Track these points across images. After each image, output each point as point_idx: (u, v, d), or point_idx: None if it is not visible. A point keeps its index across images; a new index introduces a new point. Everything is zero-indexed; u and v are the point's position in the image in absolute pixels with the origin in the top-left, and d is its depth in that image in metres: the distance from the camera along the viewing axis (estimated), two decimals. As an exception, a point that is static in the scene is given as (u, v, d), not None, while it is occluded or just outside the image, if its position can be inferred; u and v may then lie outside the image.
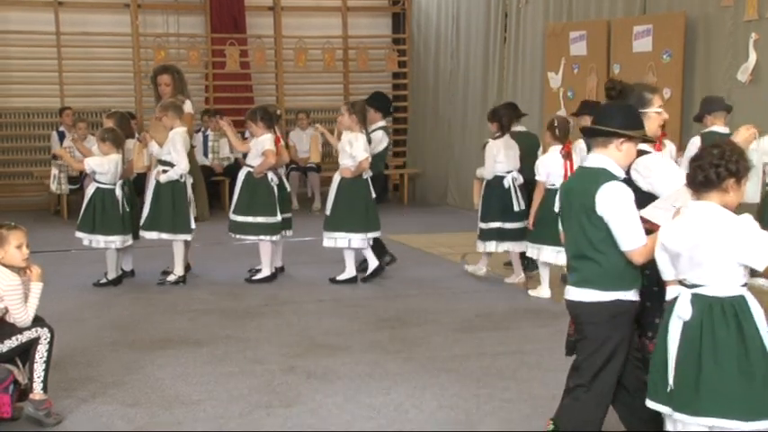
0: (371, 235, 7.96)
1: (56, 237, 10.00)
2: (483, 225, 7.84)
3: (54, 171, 11.62)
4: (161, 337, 6.26)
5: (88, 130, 11.74)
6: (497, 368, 5.51)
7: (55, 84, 13.11)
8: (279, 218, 7.96)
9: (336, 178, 7.93)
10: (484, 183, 7.87)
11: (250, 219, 7.90)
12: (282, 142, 8.31)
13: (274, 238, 8.00)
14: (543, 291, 7.42)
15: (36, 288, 4.75)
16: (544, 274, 7.43)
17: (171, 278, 7.94)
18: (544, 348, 5.90)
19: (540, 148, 8.21)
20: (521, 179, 7.77)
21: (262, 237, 7.94)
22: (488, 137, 8.13)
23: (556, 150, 7.04)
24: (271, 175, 7.98)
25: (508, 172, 7.76)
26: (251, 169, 7.93)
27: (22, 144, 13.26)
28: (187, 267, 8.13)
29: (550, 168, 7.10)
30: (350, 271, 7.99)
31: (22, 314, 4.68)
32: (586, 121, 7.00)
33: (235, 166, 11.90)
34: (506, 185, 7.73)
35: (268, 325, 6.59)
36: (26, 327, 4.70)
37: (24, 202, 12.91)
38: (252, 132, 8.07)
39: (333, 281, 8.01)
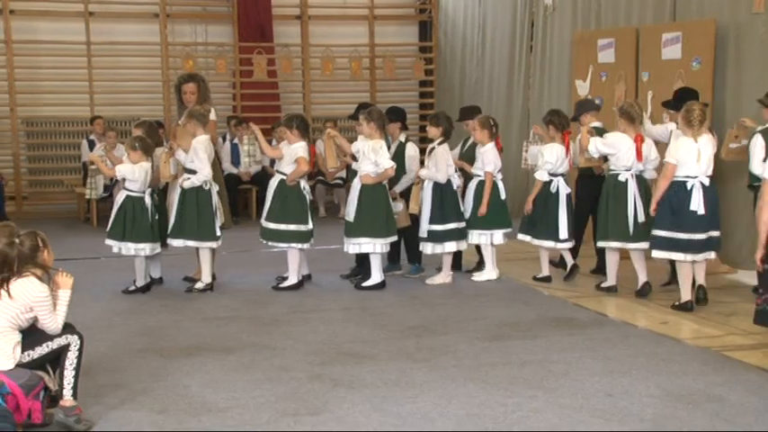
0: (390, 240, 8.00)
1: (85, 244, 10.08)
2: (440, 227, 8.04)
3: (90, 178, 11.74)
4: (189, 344, 6.29)
5: (117, 139, 11.83)
6: (524, 377, 5.48)
7: (85, 93, 13.25)
8: (310, 225, 7.98)
9: (357, 185, 7.95)
10: (427, 186, 8.04)
11: (282, 226, 7.93)
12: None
13: (305, 245, 8.03)
14: (490, 272, 8.26)
15: (64, 295, 4.80)
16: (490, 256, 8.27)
17: (199, 285, 7.98)
18: (572, 357, 5.86)
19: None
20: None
21: (293, 244, 7.97)
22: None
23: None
24: (303, 183, 8.01)
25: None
26: (283, 177, 7.96)
27: (53, 152, 13.41)
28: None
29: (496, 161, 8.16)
30: (376, 277, 8.01)
31: (51, 322, 4.73)
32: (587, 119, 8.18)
33: (263, 174, 11.96)
34: (455, 187, 8.13)
35: (295, 332, 6.60)
36: (56, 334, 4.75)
37: (55, 210, 13.05)
38: (286, 139, 8.09)
39: (359, 288, 8.03)
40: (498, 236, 8.25)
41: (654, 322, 6.83)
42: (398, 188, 8.33)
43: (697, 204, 6.90)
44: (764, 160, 6.79)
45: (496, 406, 4.97)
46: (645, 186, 7.61)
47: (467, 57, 13.67)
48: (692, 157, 6.91)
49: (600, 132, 7.90)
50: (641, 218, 7.43)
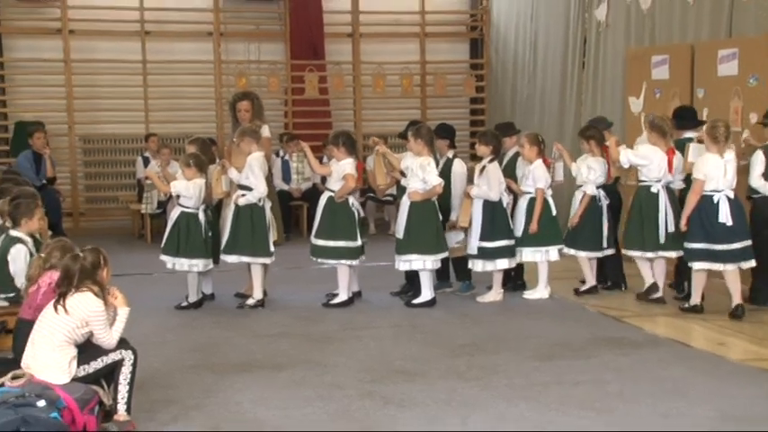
0: (440, 256, 7.97)
1: (139, 260, 10.20)
2: (490, 244, 7.99)
3: (146, 193, 11.91)
4: (240, 360, 6.32)
5: (171, 156, 11.96)
6: (577, 397, 5.40)
7: (140, 110, 13.45)
8: (359, 242, 7.99)
9: (405, 202, 7.94)
10: (477, 202, 8.00)
11: (331, 243, 7.95)
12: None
13: (354, 262, 8.04)
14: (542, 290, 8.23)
15: (123, 313, 4.87)
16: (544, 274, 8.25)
17: (250, 302, 8.03)
18: (626, 378, 5.77)
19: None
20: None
21: (342, 261, 7.98)
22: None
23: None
24: (352, 199, 8.03)
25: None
26: (332, 194, 7.99)
27: (109, 169, 13.62)
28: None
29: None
30: (426, 294, 7.98)
31: (106, 337, 4.79)
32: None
33: (313, 191, 12.00)
34: (505, 204, 8.11)
35: (345, 349, 6.60)
36: (111, 349, 4.80)
37: (110, 226, 13.23)
38: (334, 156, 8.12)
39: (409, 305, 8.01)
40: (553, 252, 8.23)
41: (711, 343, 6.70)
42: (454, 215, 8.28)
43: (725, 216, 7.24)
44: (763, 175, 7.49)
45: (549, 426, 4.91)
46: (673, 197, 7.89)
47: (518, 73, 13.61)
48: (719, 172, 7.25)
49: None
50: (671, 228, 7.72)
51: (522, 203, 8.21)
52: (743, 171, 7.71)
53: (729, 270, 7.31)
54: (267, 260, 8.00)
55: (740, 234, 7.31)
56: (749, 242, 7.36)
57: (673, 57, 9.72)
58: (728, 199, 7.27)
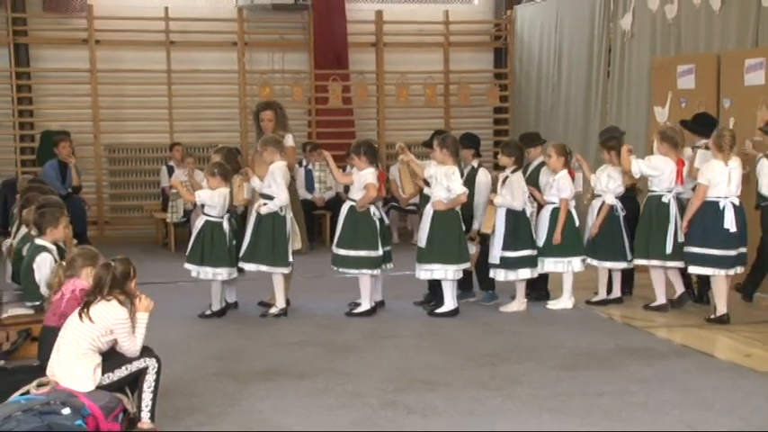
0: (463, 266, 7.96)
1: (163, 268, 10.26)
2: (512, 254, 8.00)
3: (171, 202, 11.96)
4: (263, 368, 6.34)
5: (195, 165, 12.00)
6: (601, 408, 5.37)
7: (165, 120, 13.53)
8: (380, 252, 8.00)
9: (429, 211, 7.94)
10: (500, 211, 8.00)
11: (352, 252, 7.96)
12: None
13: (376, 271, 8.05)
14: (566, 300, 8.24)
15: (142, 318, 4.90)
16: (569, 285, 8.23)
17: (273, 311, 8.05)
18: (651, 389, 5.73)
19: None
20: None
21: (364, 270, 7.99)
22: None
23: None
24: (373, 209, 8.04)
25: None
26: (353, 203, 8.01)
27: (134, 178, 13.69)
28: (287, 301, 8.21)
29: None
30: (449, 304, 7.97)
31: (130, 345, 4.82)
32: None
33: (336, 200, 12.03)
34: (528, 214, 8.09)
35: (368, 359, 6.60)
36: (135, 356, 4.84)
37: (134, 235, 13.31)
38: (355, 166, 8.14)
39: (432, 314, 8.01)
40: (577, 263, 8.20)
41: (737, 354, 6.65)
42: (477, 224, 8.27)
43: (730, 223, 7.43)
44: None
45: (573, 437, 4.89)
46: (682, 207, 7.99)
47: (542, 83, 13.58)
48: (724, 178, 7.43)
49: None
50: (681, 238, 7.81)
51: (546, 213, 8.19)
52: (746, 180, 7.89)
53: (721, 275, 7.50)
54: (285, 270, 8.01)
55: (741, 241, 7.55)
56: (745, 249, 7.64)
57: (699, 66, 9.68)
58: (733, 206, 7.47)
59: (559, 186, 8.11)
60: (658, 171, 7.91)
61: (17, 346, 6.28)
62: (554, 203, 8.15)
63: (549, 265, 8.19)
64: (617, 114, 11.54)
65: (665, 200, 7.90)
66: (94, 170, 13.39)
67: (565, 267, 8.20)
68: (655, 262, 7.99)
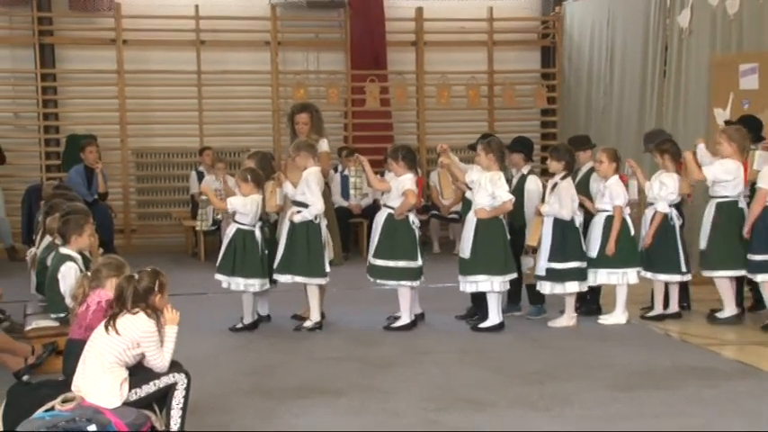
0: (508, 277, 7.92)
1: (192, 279, 10.32)
2: (560, 265, 7.93)
3: (201, 210, 11.95)
4: (297, 384, 6.34)
5: (226, 170, 12.06)
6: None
7: (195, 123, 13.63)
8: (420, 262, 7.98)
9: (471, 219, 7.91)
10: (547, 221, 7.93)
11: (391, 263, 7.95)
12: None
13: (415, 283, 8.03)
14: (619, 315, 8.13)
15: (171, 332, 4.92)
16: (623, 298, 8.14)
17: (307, 324, 8.06)
18: (713, 411, 5.64)
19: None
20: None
21: (403, 282, 7.97)
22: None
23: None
24: (412, 217, 8.02)
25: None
26: (391, 211, 8.00)
27: (162, 184, 13.81)
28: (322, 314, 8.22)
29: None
30: (494, 318, 7.93)
31: (158, 359, 4.84)
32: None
33: (373, 208, 12.03)
34: (577, 223, 8.02)
35: (407, 375, 6.58)
36: (163, 372, 4.86)
37: (162, 243, 13.40)
38: (393, 171, 8.13)
39: (475, 329, 7.97)
40: (632, 275, 8.10)
41: (805, 374, 6.53)
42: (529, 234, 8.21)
43: None
44: None
45: (627, 462, 4.83)
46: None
47: (593, 83, 13.49)
48: None
49: None
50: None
51: (598, 222, 8.11)
52: None
53: None
54: (322, 281, 8.02)
55: None
56: None
57: (763, 65, 9.55)
58: None
59: (612, 193, 8.03)
60: (732, 175, 7.83)
61: (42, 359, 6.36)
62: (607, 211, 8.07)
63: (602, 276, 8.12)
64: (674, 117, 11.42)
65: (740, 205, 7.87)
66: (121, 176, 13.53)
67: (619, 279, 8.12)
68: (742, 272, 7.91)
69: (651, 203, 8.30)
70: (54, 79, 13.51)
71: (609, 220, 8.06)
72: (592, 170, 8.37)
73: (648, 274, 8.26)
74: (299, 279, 8.00)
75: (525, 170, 8.43)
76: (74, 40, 13.55)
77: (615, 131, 12.65)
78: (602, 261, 8.06)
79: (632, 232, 8.16)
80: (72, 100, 13.61)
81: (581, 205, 8.11)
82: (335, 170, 12.68)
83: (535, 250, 8.09)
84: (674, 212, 8.21)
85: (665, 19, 11.72)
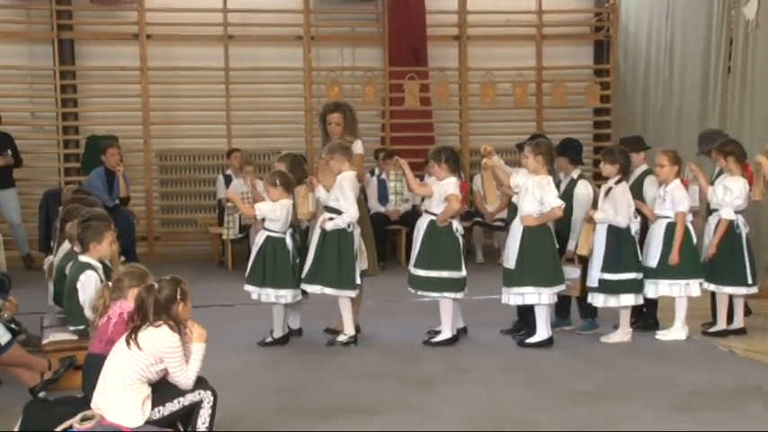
0: (557, 289, 7.89)
1: (219, 290, 10.38)
2: (614, 276, 7.87)
3: (228, 216, 12.04)
4: (331, 403, 6.36)
5: (256, 174, 12.09)
6: (722, 457, 5.26)
7: (222, 123, 13.71)
8: (464, 272, 7.98)
9: (517, 226, 7.89)
10: (600, 228, 7.89)
11: (433, 273, 7.95)
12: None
13: (459, 295, 8.02)
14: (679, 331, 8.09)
15: (198, 350, 4.95)
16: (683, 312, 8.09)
17: (341, 338, 8.08)
18: (780, 436, 5.59)
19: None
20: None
21: (445, 293, 7.97)
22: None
23: None
24: (455, 223, 8.02)
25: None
26: (433, 217, 8.00)
27: (187, 189, 13.88)
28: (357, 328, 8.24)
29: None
30: (542, 333, 7.90)
31: (182, 376, 4.88)
32: None
33: (412, 214, 12.04)
34: (633, 231, 7.94)
35: (449, 394, 6.58)
36: (188, 389, 4.89)
37: (187, 252, 13.49)
38: (434, 175, 8.13)
39: (522, 345, 7.95)
40: (694, 287, 8.07)
41: None
42: (573, 243, 8.16)
43: None
44: None
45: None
46: None
47: (651, 80, 13.40)
48: None
49: None
50: None
51: (658, 229, 8.06)
52: None
53: None
54: (351, 293, 8.04)
55: None
56: None
57: (836, 59, 9.44)
58: None
59: (674, 198, 7.99)
60: None
61: (59, 375, 6.43)
62: (667, 218, 8.02)
63: (663, 288, 8.06)
64: (739, 116, 11.31)
65: None
66: (144, 179, 13.63)
67: (681, 291, 8.06)
68: None
69: (714, 210, 8.23)
70: (73, 77, 13.66)
71: (669, 227, 8.01)
72: (646, 173, 8.33)
73: (712, 287, 8.20)
74: (327, 291, 8.02)
75: (575, 174, 8.40)
76: (95, 34, 13.70)
77: (675, 132, 12.55)
78: (664, 271, 8.01)
79: (695, 241, 8.10)
80: (92, 99, 13.75)
81: (637, 211, 8.06)
82: (372, 174, 12.71)
83: (582, 260, 8.05)
84: (741, 219, 8.17)
85: (729, 10, 11.61)
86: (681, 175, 8.19)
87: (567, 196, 8.15)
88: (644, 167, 8.44)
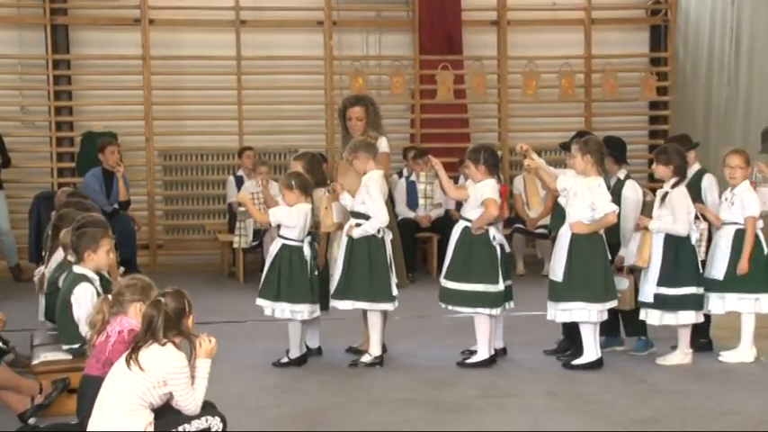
0: (609, 305, 7.88)
1: (230, 304, 10.43)
2: (671, 291, 7.84)
3: (239, 222, 12.01)
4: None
5: (270, 175, 12.08)
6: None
7: (233, 118, 13.74)
8: (502, 286, 7.98)
9: (565, 234, 7.88)
10: (656, 237, 7.85)
11: (466, 286, 7.95)
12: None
13: (495, 311, 8.02)
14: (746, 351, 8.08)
15: (203, 366, 4.96)
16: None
17: (366, 359, 8.09)
18: None
19: None
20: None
21: (480, 309, 7.97)
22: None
23: None
24: (493, 231, 8.02)
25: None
26: (468, 224, 8.01)
27: (194, 191, 13.91)
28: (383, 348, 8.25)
29: None
30: (590, 353, 7.89)
31: (189, 400, 4.90)
32: None
33: (446, 220, 12.04)
34: (694, 240, 7.93)
35: (486, 422, 6.58)
36: (195, 414, 4.91)
37: (194, 262, 13.55)
38: (471, 176, 8.13)
39: (568, 366, 7.95)
40: (765, 302, 8.04)
41: None
42: (624, 250, 8.13)
43: None
44: None
45: None
46: None
47: (714, 71, 13.36)
48: None
49: None
50: None
51: (726, 236, 8.03)
52: None
53: None
54: (389, 306, 8.06)
55: None
56: None
57: None
58: None
59: (744, 201, 7.95)
60: None
61: (52, 399, 6.46)
62: (736, 224, 7.99)
63: (731, 302, 8.02)
64: (813, 110, 11.27)
65: None
66: (146, 181, 13.69)
67: (750, 307, 8.03)
68: None
69: None
70: (68, 66, 13.73)
71: (738, 234, 7.98)
72: (701, 174, 8.31)
73: None
74: (360, 305, 8.03)
75: (621, 174, 8.38)
76: (91, 19, 13.77)
77: (742, 129, 12.51)
78: (732, 284, 7.96)
79: (765, 250, 8.06)
80: (89, 91, 13.84)
81: (700, 216, 8.03)
82: (400, 175, 12.72)
83: (631, 269, 8.03)
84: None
85: (803, -9, 11.58)
86: (750, 177, 8.16)
87: (614, 199, 8.14)
88: (696, 167, 8.42)
